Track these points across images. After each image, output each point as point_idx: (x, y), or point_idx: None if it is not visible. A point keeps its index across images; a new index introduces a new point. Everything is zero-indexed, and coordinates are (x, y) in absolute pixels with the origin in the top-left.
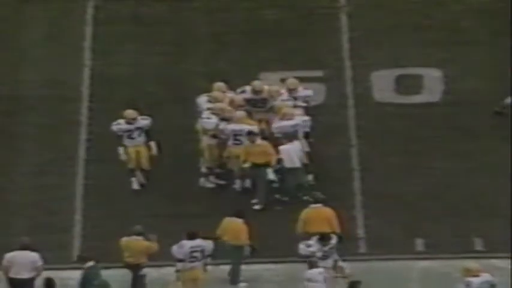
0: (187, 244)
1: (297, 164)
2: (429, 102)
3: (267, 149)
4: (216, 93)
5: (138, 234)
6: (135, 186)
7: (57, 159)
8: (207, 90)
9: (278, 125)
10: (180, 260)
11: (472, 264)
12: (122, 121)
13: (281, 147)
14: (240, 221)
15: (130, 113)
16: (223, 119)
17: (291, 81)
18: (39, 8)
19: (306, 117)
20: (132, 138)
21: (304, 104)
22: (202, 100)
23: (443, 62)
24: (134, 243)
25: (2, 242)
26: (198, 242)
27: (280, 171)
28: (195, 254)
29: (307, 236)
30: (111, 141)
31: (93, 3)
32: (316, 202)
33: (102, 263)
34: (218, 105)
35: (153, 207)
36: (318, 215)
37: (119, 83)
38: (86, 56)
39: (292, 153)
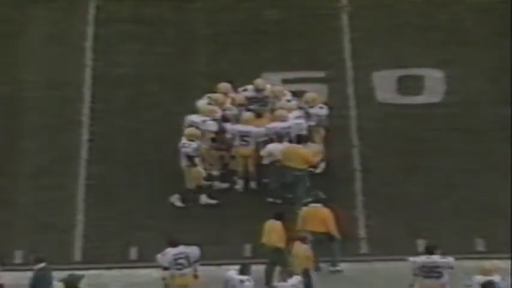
0: (171, 252)
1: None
2: (431, 103)
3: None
4: (216, 95)
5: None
6: (211, 201)
7: (59, 160)
8: (209, 90)
9: (270, 126)
10: (166, 268)
11: (489, 263)
12: (188, 142)
13: (269, 146)
14: (279, 223)
15: (194, 130)
16: (225, 120)
17: (309, 96)
18: (40, 8)
19: (301, 120)
20: (199, 156)
21: (313, 123)
22: (202, 103)
23: (444, 62)
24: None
25: (4, 242)
26: (181, 248)
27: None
28: (180, 261)
29: (306, 233)
30: (113, 141)
31: (94, 4)
32: (317, 201)
33: (104, 263)
34: (208, 107)
35: (155, 207)
36: (315, 214)
37: (120, 83)
38: (88, 56)
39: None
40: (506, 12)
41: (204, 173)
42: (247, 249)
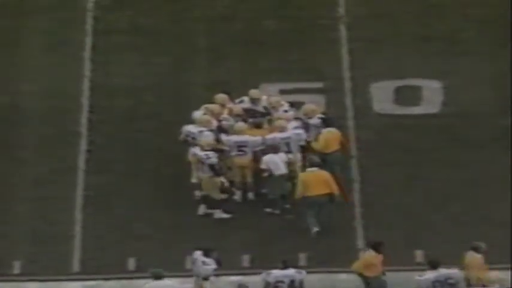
0: (196, 254)
1: (284, 171)
2: (428, 114)
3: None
4: (212, 106)
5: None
6: (225, 215)
7: (57, 170)
8: (207, 100)
9: (269, 136)
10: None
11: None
12: (209, 152)
13: (265, 157)
14: (374, 253)
15: (209, 140)
16: (222, 131)
17: (308, 107)
18: (39, 18)
19: (300, 131)
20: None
21: (312, 135)
22: (198, 113)
23: (442, 73)
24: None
25: (1, 252)
26: (205, 258)
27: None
28: (195, 267)
29: (306, 200)
30: (111, 152)
31: (92, 14)
32: (311, 166)
33: (102, 274)
34: (204, 117)
35: (153, 217)
36: (317, 177)
37: (118, 93)
38: (86, 66)
39: (277, 160)
40: (506, 23)
41: (225, 183)
42: (246, 259)
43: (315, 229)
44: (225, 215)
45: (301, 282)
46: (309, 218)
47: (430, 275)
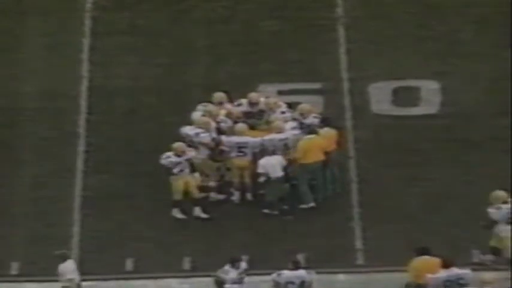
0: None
1: (281, 173)
2: (427, 114)
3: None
4: (210, 107)
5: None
6: (179, 215)
7: (56, 171)
8: (206, 102)
9: (268, 137)
10: None
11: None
12: (170, 154)
13: (261, 161)
14: (428, 257)
15: (180, 145)
16: (221, 132)
17: (303, 107)
18: (37, 20)
19: (298, 131)
20: (182, 171)
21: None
22: (197, 115)
23: (441, 74)
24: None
25: (0, 253)
26: (228, 268)
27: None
28: None
29: (302, 167)
30: (109, 153)
31: (91, 15)
32: (310, 133)
33: (100, 274)
34: (203, 119)
35: (151, 218)
36: (314, 144)
37: (117, 94)
38: (84, 67)
39: (274, 163)
40: (506, 24)
41: (180, 187)
42: (244, 260)
43: (311, 204)
44: (203, 215)
45: (311, 283)
46: (304, 187)
47: (442, 274)
